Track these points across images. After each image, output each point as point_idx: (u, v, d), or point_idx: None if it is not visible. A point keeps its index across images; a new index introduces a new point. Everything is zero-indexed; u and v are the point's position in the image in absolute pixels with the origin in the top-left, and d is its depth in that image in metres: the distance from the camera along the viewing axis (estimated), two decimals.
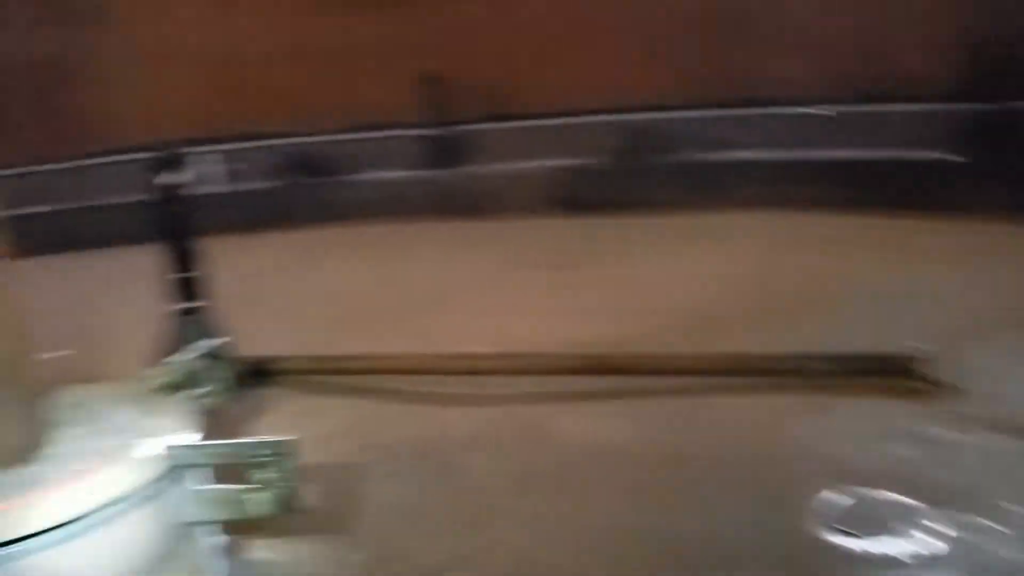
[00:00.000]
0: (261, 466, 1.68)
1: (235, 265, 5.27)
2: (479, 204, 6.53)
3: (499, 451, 3.02)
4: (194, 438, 1.82)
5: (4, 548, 1.52)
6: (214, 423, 3.02)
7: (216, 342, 2.21)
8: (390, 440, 3.12)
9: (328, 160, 6.97)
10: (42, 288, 5.44)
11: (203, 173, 6.76)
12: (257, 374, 3.54)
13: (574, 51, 6.61)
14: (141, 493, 1.67)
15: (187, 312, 3.41)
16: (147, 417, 1.91)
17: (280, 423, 3.28)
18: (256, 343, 3.73)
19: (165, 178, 3.32)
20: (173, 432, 1.85)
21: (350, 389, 3.55)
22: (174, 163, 3.36)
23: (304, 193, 6.82)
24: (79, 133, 6.62)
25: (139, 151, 3.39)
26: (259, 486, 1.70)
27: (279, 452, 1.67)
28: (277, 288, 5.09)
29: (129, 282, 4.25)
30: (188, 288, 3.41)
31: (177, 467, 1.74)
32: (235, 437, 3.02)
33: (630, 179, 6.34)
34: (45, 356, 4.08)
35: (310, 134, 6.94)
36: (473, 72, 6.72)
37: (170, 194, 3.33)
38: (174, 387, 2.10)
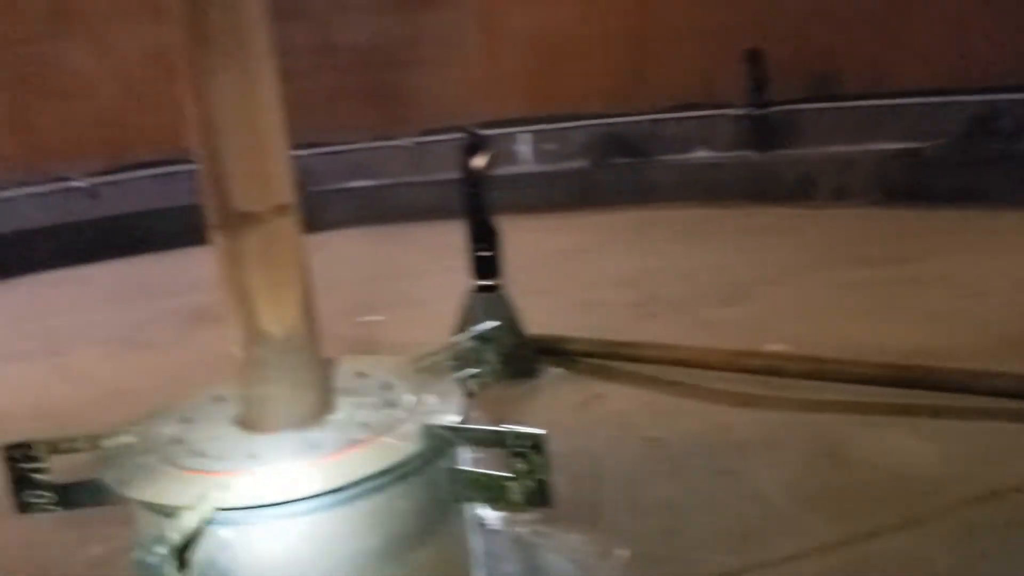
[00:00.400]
0: (516, 455, 1.66)
1: (539, 244, 5.42)
2: (796, 189, 6.18)
3: (786, 462, 2.81)
4: (458, 418, 1.84)
5: (276, 508, 1.62)
6: (489, 403, 3.11)
7: (494, 324, 2.21)
8: (667, 435, 3.01)
9: (643, 140, 6.92)
10: (366, 256, 5.95)
11: (517, 152, 6.99)
12: (542, 353, 3.58)
13: (910, 24, 6.02)
14: (404, 468, 1.71)
15: (484, 289, 3.51)
16: (420, 393, 1.97)
17: (556, 406, 3.29)
18: (546, 322, 3.78)
19: (472, 159, 3.43)
20: (441, 411, 1.88)
21: (633, 377, 3.48)
22: (481, 145, 3.46)
23: (616, 174, 6.83)
24: (408, 112, 7.09)
25: (460, 131, 3.52)
26: (512, 475, 1.68)
27: (532, 444, 1.64)
28: (573, 268, 5.13)
29: (445, 255, 4.47)
30: (487, 266, 3.51)
31: (439, 446, 1.76)
32: (509, 418, 3.15)
33: (967, 168, 5.67)
34: (363, 319, 4.48)
35: (626, 114, 6.92)
36: (797, 48, 6.35)
37: (475, 175, 3.44)
38: (451, 365, 2.15)
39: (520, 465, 1.66)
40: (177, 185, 6.32)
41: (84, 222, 6.66)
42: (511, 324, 3.45)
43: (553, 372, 3.56)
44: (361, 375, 2.10)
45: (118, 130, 6.71)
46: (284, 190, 1.84)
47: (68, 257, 6.36)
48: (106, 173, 6.82)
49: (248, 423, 1.90)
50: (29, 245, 6.41)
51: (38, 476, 1.87)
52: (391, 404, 1.92)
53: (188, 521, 1.55)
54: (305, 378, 1.90)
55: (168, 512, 1.66)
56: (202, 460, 1.77)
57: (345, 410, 1.94)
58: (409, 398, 1.95)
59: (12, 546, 2.65)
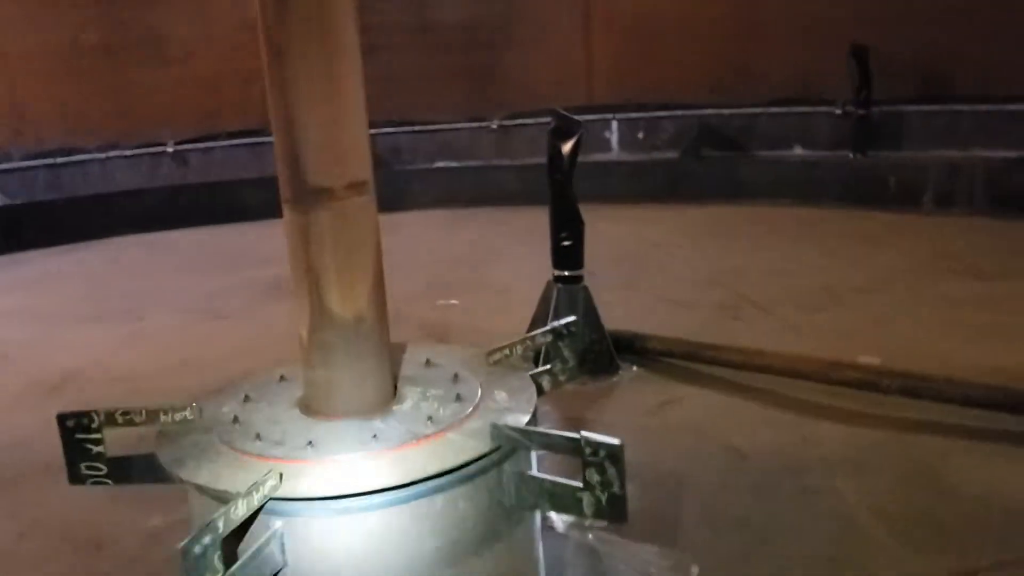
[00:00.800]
0: (591, 465, 1.53)
1: (624, 235, 5.26)
2: (897, 194, 5.88)
3: (878, 484, 2.61)
4: (527, 419, 1.72)
5: (332, 501, 1.53)
6: (562, 400, 2.98)
7: (572, 319, 2.08)
8: (749, 446, 2.84)
9: (737, 134, 6.68)
10: (446, 238, 5.87)
11: (607, 140, 6.82)
12: (621, 349, 3.43)
13: None
14: (469, 468, 1.60)
15: (564, 280, 3.37)
16: (490, 388, 1.85)
17: (632, 408, 3.14)
18: (626, 318, 3.63)
19: (559, 143, 3.29)
20: (512, 409, 1.76)
21: (714, 381, 3.31)
22: (569, 129, 3.31)
23: (708, 167, 6.61)
24: (498, 94, 6.97)
25: (548, 115, 3.38)
26: (582, 485, 1.55)
27: (608, 455, 1.51)
28: (658, 262, 4.96)
29: (526, 241, 4.35)
30: (569, 256, 3.37)
31: (506, 447, 1.65)
32: (582, 417, 3.01)
33: None
34: (439, 303, 4.39)
35: (721, 106, 6.69)
36: (906, 46, 6.04)
37: (562, 160, 3.29)
38: (523, 360, 2.03)
39: (594, 476, 1.53)
40: (266, 155, 6.30)
41: (171, 187, 6.74)
42: (590, 318, 3.31)
43: (631, 370, 3.41)
44: (430, 364, 1.99)
45: (211, 98, 6.76)
46: (361, 166, 1.73)
47: (153, 221, 6.44)
48: (197, 140, 6.88)
49: (310, 407, 1.81)
50: (115, 207, 6.51)
51: (93, 447, 1.80)
52: (459, 397, 1.81)
53: (238, 510, 1.46)
54: (371, 365, 1.79)
55: (219, 497, 1.58)
56: (260, 444, 1.68)
57: (411, 400, 1.83)
58: (478, 392, 1.84)
59: (72, 514, 2.63)
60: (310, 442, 1.67)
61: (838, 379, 3.09)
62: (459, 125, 7.05)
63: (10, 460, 3.02)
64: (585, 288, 3.36)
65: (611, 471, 1.51)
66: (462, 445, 1.63)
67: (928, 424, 2.89)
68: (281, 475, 1.55)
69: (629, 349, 3.46)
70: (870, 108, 6.13)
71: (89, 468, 1.82)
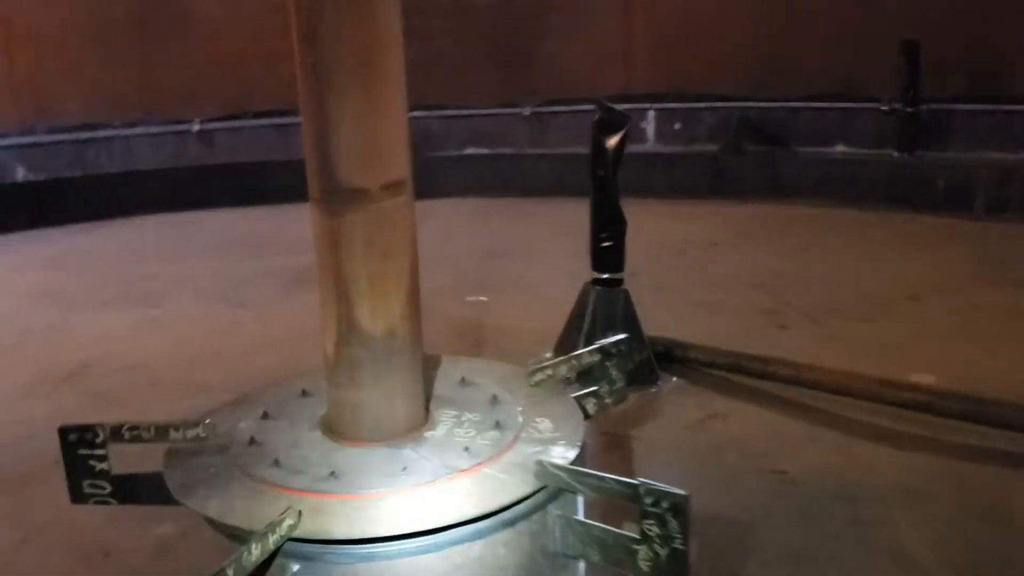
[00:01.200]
0: (647, 515, 1.36)
1: (661, 232, 5.06)
2: (946, 197, 5.64)
3: (936, 516, 2.42)
4: (575, 454, 1.55)
5: (355, 545, 1.36)
6: (603, 426, 2.81)
7: (621, 337, 1.90)
8: (797, 470, 2.65)
9: (779, 129, 6.44)
10: (478, 229, 5.69)
11: (643, 131, 6.62)
12: (661, 358, 3.25)
13: None
14: (508, 510, 1.43)
15: (604, 283, 3.19)
16: (532, 414, 1.69)
17: (671, 422, 2.96)
18: (665, 323, 3.45)
19: (603, 136, 3.10)
20: (555, 440, 1.59)
21: (759, 395, 3.12)
22: (614, 122, 3.12)
23: (748, 162, 6.38)
24: (534, 80, 6.78)
25: (590, 103, 3.19)
26: (639, 536, 1.38)
27: (670, 506, 1.33)
28: (695, 262, 4.76)
29: (562, 235, 4.15)
30: (609, 257, 3.19)
31: (554, 488, 1.48)
32: (618, 432, 2.84)
33: None
34: (469, 299, 4.22)
35: (763, 99, 6.45)
36: (957, 42, 5.78)
37: (606, 155, 3.11)
38: (565, 381, 1.86)
39: (653, 528, 1.36)
40: (294, 137, 6.15)
41: (196, 168, 6.59)
42: (630, 325, 3.13)
43: (671, 381, 3.23)
44: (465, 383, 1.82)
45: (239, 78, 6.60)
46: (399, 164, 1.56)
47: (176, 202, 6.30)
48: (223, 120, 6.73)
49: (334, 429, 1.65)
50: (139, 187, 6.38)
51: (97, 464, 1.65)
52: (498, 425, 1.64)
53: (251, 555, 1.31)
54: (403, 385, 1.63)
55: (231, 533, 1.42)
56: (277, 472, 1.52)
57: (444, 425, 1.67)
58: (519, 419, 1.67)
59: (79, 517, 2.47)
60: (333, 472, 1.51)
61: (892, 400, 2.90)
62: (492, 111, 6.85)
63: (16, 457, 2.87)
64: (625, 292, 3.18)
65: (673, 524, 1.34)
66: (503, 483, 1.46)
67: (989, 452, 2.69)
68: (300, 513, 1.39)
69: (670, 358, 3.27)
70: (918, 106, 5.88)
71: (92, 486, 1.67)
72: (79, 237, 5.79)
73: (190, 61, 6.51)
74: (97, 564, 2.36)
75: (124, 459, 1.70)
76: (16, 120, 6.33)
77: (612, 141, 3.06)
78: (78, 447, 1.65)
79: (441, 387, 1.80)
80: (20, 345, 3.95)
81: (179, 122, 6.66)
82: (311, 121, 1.54)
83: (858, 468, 2.68)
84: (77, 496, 1.67)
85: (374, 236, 1.54)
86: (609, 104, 3.12)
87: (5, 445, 2.98)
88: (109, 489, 1.67)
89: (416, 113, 6.49)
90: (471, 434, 1.62)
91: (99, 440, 1.64)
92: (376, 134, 1.53)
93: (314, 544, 1.38)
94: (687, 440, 2.84)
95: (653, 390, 3.16)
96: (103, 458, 1.65)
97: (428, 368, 1.84)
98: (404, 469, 1.51)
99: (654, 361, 3.21)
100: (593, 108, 3.19)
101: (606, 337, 3.08)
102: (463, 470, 1.50)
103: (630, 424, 2.90)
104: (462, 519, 1.39)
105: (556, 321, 3.35)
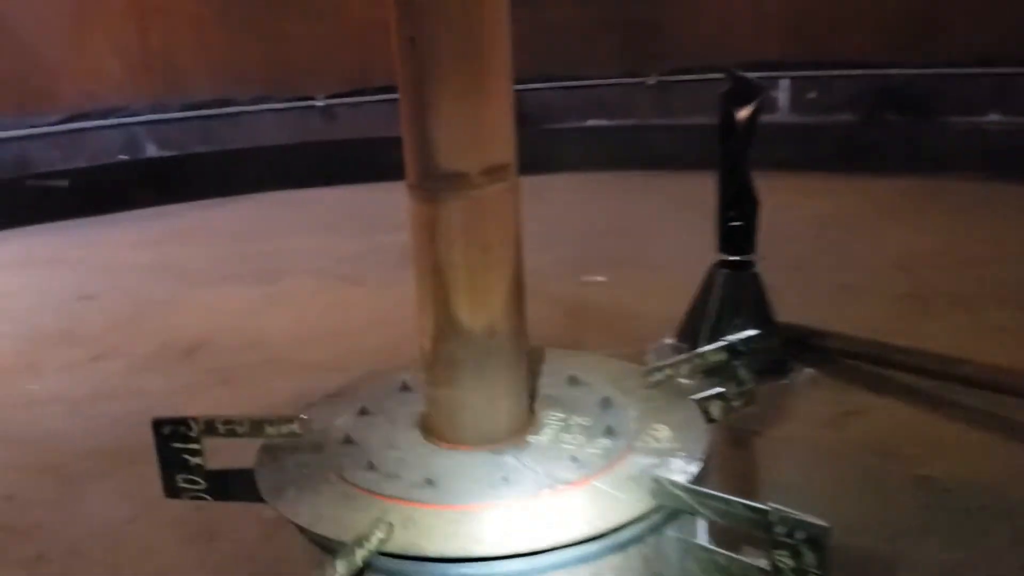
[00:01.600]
0: (778, 545, 1.18)
1: (794, 209, 4.76)
2: None
3: None
4: (697, 469, 1.38)
5: (452, 565, 1.24)
6: (728, 421, 2.59)
7: (752, 333, 1.70)
8: (948, 476, 2.40)
9: (925, 97, 5.99)
10: (597, 205, 5.51)
11: (776, 101, 6.28)
12: (794, 347, 3.01)
13: None
14: (622, 531, 1.28)
15: (732, 265, 2.98)
16: (645, 420, 1.52)
17: (804, 418, 2.74)
18: (798, 308, 3.21)
19: (734, 108, 2.88)
20: (674, 452, 1.43)
21: (903, 390, 2.86)
22: (746, 92, 2.89)
23: (890, 133, 5.96)
24: (659, 48, 6.50)
25: (721, 71, 2.97)
26: (768, 568, 1.21)
27: (807, 538, 1.15)
28: (832, 242, 4.45)
29: (687, 212, 3.92)
30: (738, 238, 2.97)
31: (673, 509, 1.32)
32: (744, 431, 2.63)
33: None
34: (584, 279, 4.06)
35: (906, 65, 6.00)
36: None
37: (737, 128, 2.88)
38: (687, 383, 1.68)
39: (786, 560, 1.18)
40: None
41: (318, 143, 6.62)
42: (760, 311, 2.91)
43: (805, 372, 2.99)
44: (575, 382, 1.66)
45: (362, 52, 6.57)
46: (503, 146, 1.41)
47: (297, 178, 6.35)
48: (347, 95, 6.73)
49: (432, 430, 1.53)
50: (260, 162, 6.45)
51: (191, 459, 1.58)
52: (609, 431, 1.48)
53: (336, 568, 1.20)
54: (505, 386, 1.49)
55: (318, 542, 1.32)
56: (371, 476, 1.41)
57: (550, 430, 1.52)
58: (633, 425, 1.50)
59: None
60: (428, 479, 1.38)
61: None
62: (614, 80, 6.62)
63: (131, 432, 2.87)
64: (755, 276, 2.96)
65: (810, 557, 1.16)
66: (614, 500, 1.31)
67: None
68: (391, 526, 1.27)
69: (803, 347, 3.04)
70: None
71: (187, 481, 1.60)
72: (203, 212, 5.90)
73: (314, 35, 6.53)
74: (202, 547, 2.33)
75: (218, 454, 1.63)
76: (149, 96, 6.49)
77: (743, 113, 2.84)
78: (172, 440, 1.58)
79: (548, 385, 1.66)
80: (142, 319, 4.02)
81: (303, 97, 6.70)
82: (409, 99, 1.40)
83: (1019, 478, 2.41)
84: (171, 491, 1.61)
85: (473, 225, 1.40)
86: (740, 73, 2.89)
87: (120, 419, 3.01)
88: (204, 485, 1.60)
89: (535, 85, 6.34)
90: (579, 441, 1.47)
91: (193, 434, 1.57)
92: (478, 113, 1.38)
93: (404, 561, 1.26)
94: (821, 439, 2.62)
95: (784, 382, 2.94)
96: (197, 452, 1.58)
97: (534, 363, 1.70)
98: (505, 479, 1.37)
99: (784, 350, 2.98)
100: (722, 77, 2.97)
101: (732, 324, 2.91)
102: (570, 483, 1.35)
103: (758, 420, 2.69)
104: (567, 541, 1.25)
105: (678, 304, 3.17)
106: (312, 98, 6.70)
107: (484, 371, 1.46)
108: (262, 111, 6.65)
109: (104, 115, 6.39)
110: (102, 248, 5.20)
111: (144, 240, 5.32)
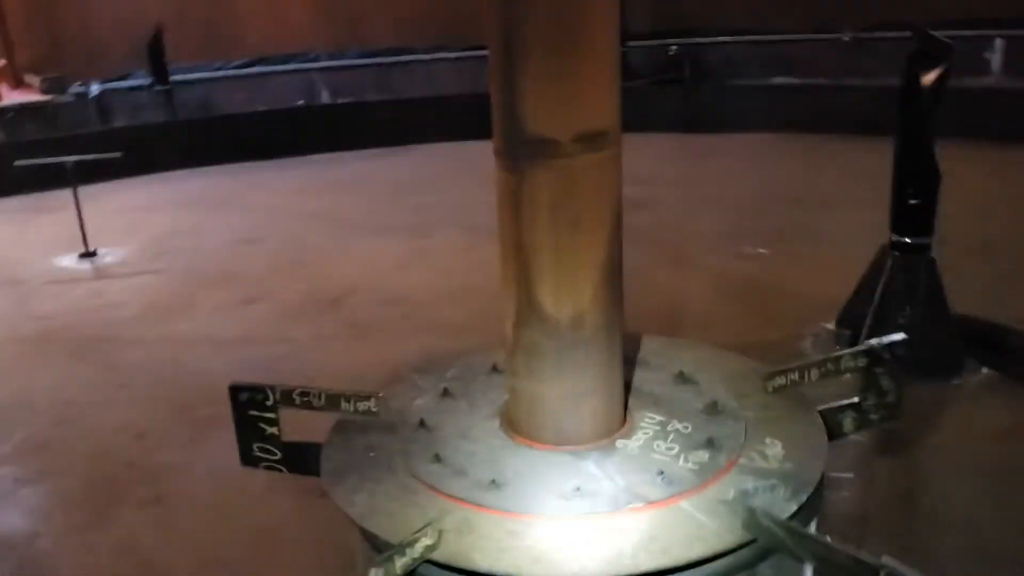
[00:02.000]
0: None
1: (988, 187, 4.24)
2: None
3: None
4: (803, 496, 1.17)
5: None
6: (878, 435, 2.30)
7: (898, 337, 1.45)
8: None
9: None
10: (771, 170, 5.14)
11: (987, 61, 5.65)
12: (970, 343, 2.66)
13: None
14: (703, 565, 1.10)
15: (905, 248, 2.65)
16: (756, 432, 1.32)
17: (972, 428, 2.40)
18: (979, 300, 2.83)
19: (919, 71, 2.53)
20: (782, 473, 1.22)
21: None
22: (934, 53, 2.53)
23: None
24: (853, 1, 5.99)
25: (910, 29, 2.62)
26: None
27: None
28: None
29: (868, 182, 3.56)
30: (914, 218, 2.64)
31: (764, 542, 1.12)
32: (903, 433, 2.32)
33: None
34: (745, 250, 3.78)
35: None
36: None
37: (920, 93, 2.54)
38: (821, 390, 1.45)
39: None
40: None
41: (483, 94, 6.51)
42: (934, 302, 2.58)
43: (979, 373, 2.64)
44: (683, 379, 1.48)
45: None
46: (599, 112, 1.23)
47: (469, 130, 6.27)
48: None
49: (511, 423, 1.39)
50: (433, 113, 6.41)
51: (267, 428, 1.51)
52: (711, 443, 1.29)
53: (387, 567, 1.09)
54: (591, 382, 1.33)
55: (372, 539, 1.22)
56: (436, 468, 1.29)
57: (644, 434, 1.35)
58: (742, 437, 1.31)
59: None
60: (494, 480, 1.25)
61: None
62: (804, 36, 6.15)
63: (272, 378, 2.88)
64: (930, 261, 2.62)
65: None
66: (698, 528, 1.13)
67: None
68: (440, 533, 1.15)
69: (981, 344, 2.68)
70: None
71: (262, 450, 1.54)
72: (372, 162, 5.95)
73: None
74: (311, 504, 2.30)
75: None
76: (330, 43, 6.60)
77: (929, 76, 2.49)
78: (249, 407, 1.51)
79: (651, 381, 1.48)
80: (296, 266, 4.08)
81: (478, 47, 6.62)
82: (495, 50, 1.25)
83: None
84: (247, 459, 1.55)
85: (562, 199, 1.23)
86: (928, 31, 2.53)
87: (260, 364, 3.04)
88: (279, 455, 1.53)
89: (718, 39, 5.99)
90: (674, 451, 1.29)
91: (269, 403, 1.50)
92: (573, 71, 1.20)
93: (450, 572, 1.13)
94: (988, 454, 2.29)
95: (955, 382, 2.60)
96: (273, 422, 1.51)
97: (642, 353, 1.52)
98: (578, 490, 1.22)
99: (959, 346, 2.63)
100: (911, 36, 2.62)
101: (901, 314, 2.59)
102: (651, 501, 1.18)
103: (919, 424, 2.38)
104: (637, 571, 1.08)
105: (843, 285, 2.86)
106: (484, 48, 6.60)
107: (568, 365, 1.31)
108: (438, 60, 6.63)
109: (285, 60, 6.56)
110: (271, 193, 5.34)
111: (311, 187, 5.42)
